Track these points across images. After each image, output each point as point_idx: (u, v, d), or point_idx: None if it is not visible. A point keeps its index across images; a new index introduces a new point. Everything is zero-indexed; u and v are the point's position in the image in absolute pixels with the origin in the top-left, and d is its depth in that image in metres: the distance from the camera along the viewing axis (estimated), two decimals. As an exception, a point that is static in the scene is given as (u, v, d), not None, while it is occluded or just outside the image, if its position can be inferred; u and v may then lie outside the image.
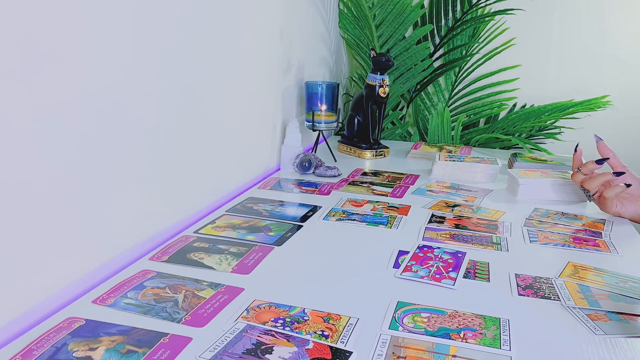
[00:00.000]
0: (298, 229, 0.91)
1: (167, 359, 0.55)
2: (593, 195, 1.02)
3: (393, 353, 0.57)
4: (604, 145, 1.02)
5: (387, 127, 1.77)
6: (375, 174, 1.28)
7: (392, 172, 1.29)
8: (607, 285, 0.74)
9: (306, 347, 0.57)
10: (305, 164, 1.24)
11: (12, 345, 0.56)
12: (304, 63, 1.43)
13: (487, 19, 1.71)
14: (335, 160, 1.38)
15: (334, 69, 1.74)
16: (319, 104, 1.34)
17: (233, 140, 1.08)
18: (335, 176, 1.23)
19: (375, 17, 1.60)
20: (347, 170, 1.28)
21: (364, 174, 1.28)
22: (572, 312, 0.67)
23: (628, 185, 0.98)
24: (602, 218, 1.02)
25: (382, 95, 1.39)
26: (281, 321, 0.62)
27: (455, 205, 1.06)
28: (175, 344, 0.57)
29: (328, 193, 1.11)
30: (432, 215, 0.99)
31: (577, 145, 1.07)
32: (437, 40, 1.80)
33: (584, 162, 1.03)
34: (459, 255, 0.82)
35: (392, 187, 1.17)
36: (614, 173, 0.99)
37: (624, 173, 0.99)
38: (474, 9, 1.69)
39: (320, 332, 0.60)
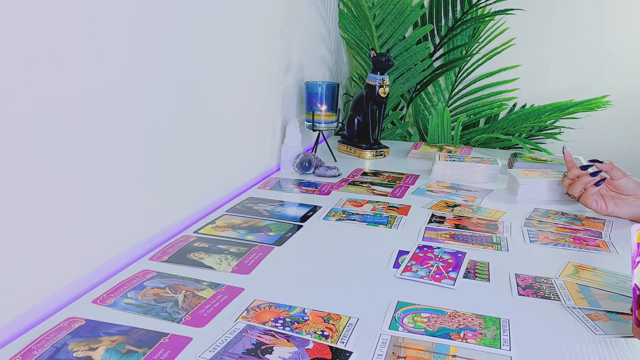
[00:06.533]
0: (298, 229, 0.91)
1: (167, 359, 0.55)
2: (578, 199, 1.04)
3: (393, 353, 0.57)
4: (605, 164, 1.01)
5: (387, 127, 1.77)
6: (375, 174, 1.28)
7: (392, 172, 1.29)
8: (607, 285, 0.74)
9: (306, 347, 0.57)
10: (305, 164, 1.24)
11: (12, 345, 0.56)
12: (304, 63, 1.43)
13: (487, 19, 1.71)
14: (335, 160, 1.38)
15: (334, 69, 1.74)
16: (319, 104, 1.34)
17: (233, 141, 1.08)
18: (335, 176, 1.23)
19: (375, 17, 1.60)
20: (347, 170, 1.28)
21: (364, 174, 1.28)
22: (572, 312, 0.67)
23: (597, 184, 0.99)
24: (602, 218, 1.02)
25: (382, 95, 1.39)
26: (281, 321, 0.62)
27: (455, 205, 1.06)
28: (175, 344, 0.57)
29: (328, 193, 1.11)
30: (432, 215, 0.99)
31: (564, 148, 1.09)
32: (437, 40, 1.80)
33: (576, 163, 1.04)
34: (459, 255, 0.82)
35: (392, 187, 1.17)
36: (590, 174, 1.01)
37: (599, 172, 1.01)
38: (474, 9, 1.69)
39: (320, 332, 0.60)
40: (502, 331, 0.61)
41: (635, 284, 0.59)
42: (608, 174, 1.01)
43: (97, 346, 0.56)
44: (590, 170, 1.02)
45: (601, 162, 1.01)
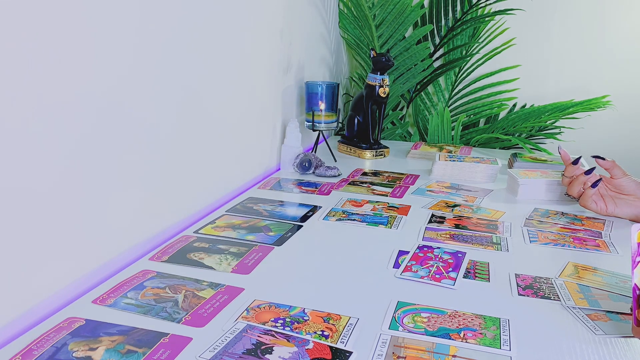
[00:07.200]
0: (298, 229, 0.91)
1: (167, 359, 0.55)
2: (577, 199, 1.04)
3: (393, 353, 0.57)
4: (606, 162, 1.01)
5: (387, 127, 1.77)
6: (375, 174, 1.28)
7: (392, 172, 1.29)
8: (607, 285, 0.74)
9: (306, 347, 0.57)
10: (305, 164, 1.24)
11: (12, 345, 0.56)
12: (304, 63, 1.43)
13: (487, 19, 1.71)
14: (335, 160, 1.38)
15: (334, 69, 1.74)
16: (319, 104, 1.34)
17: (233, 141, 1.08)
18: (335, 176, 1.23)
19: (375, 17, 1.60)
20: (347, 170, 1.28)
21: (364, 174, 1.28)
22: (572, 312, 0.67)
23: (594, 186, 0.99)
24: (602, 218, 1.02)
25: (382, 95, 1.39)
26: (281, 321, 0.62)
27: (455, 205, 1.06)
28: (175, 344, 0.57)
29: (328, 193, 1.11)
30: (432, 215, 0.99)
31: (559, 148, 1.09)
32: (437, 40, 1.80)
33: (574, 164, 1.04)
34: (459, 255, 0.82)
35: (392, 187, 1.17)
36: (585, 172, 1.01)
37: (593, 169, 1.01)
38: (474, 9, 1.69)
39: (320, 332, 0.60)
40: (502, 331, 0.61)
41: (635, 284, 0.59)
42: (608, 172, 1.01)
43: (97, 346, 0.56)
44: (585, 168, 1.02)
45: (603, 159, 1.01)
